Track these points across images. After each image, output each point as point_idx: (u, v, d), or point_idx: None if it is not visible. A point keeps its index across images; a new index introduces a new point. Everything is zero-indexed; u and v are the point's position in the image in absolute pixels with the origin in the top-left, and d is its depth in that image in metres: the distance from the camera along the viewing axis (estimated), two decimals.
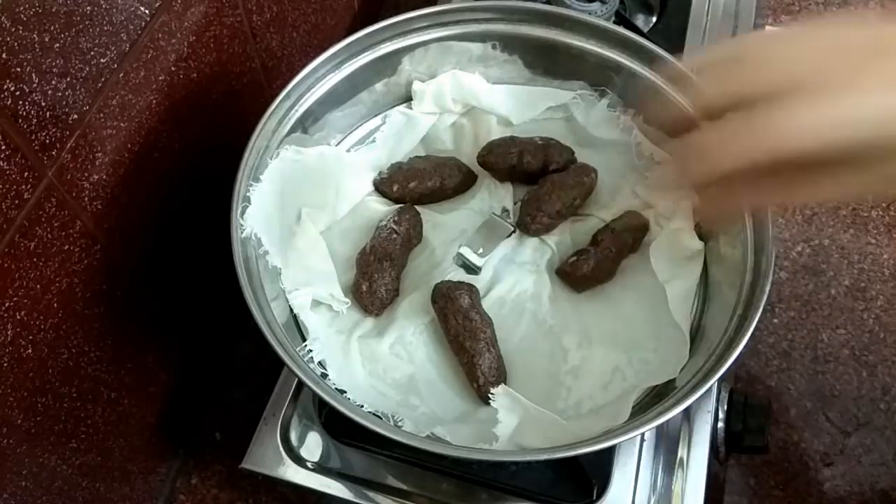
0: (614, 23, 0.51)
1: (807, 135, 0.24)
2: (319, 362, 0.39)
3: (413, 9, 0.45)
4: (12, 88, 0.30)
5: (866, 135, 0.24)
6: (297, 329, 0.42)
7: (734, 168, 0.26)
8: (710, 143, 0.26)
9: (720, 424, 0.45)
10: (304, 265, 0.42)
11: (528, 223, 0.45)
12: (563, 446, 0.36)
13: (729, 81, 0.26)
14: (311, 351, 0.39)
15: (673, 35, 0.60)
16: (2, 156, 0.31)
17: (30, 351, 0.36)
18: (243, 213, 0.39)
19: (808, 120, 0.24)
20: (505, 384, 0.39)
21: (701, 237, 0.44)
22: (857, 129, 0.24)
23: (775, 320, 0.71)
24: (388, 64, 0.47)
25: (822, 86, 0.24)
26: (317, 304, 0.42)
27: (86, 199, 0.37)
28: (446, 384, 0.41)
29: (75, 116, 0.35)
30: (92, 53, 0.35)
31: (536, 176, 0.46)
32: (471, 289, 0.42)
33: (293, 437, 0.45)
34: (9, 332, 0.34)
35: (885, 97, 0.24)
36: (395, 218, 0.44)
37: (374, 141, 0.48)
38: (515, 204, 0.47)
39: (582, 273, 0.43)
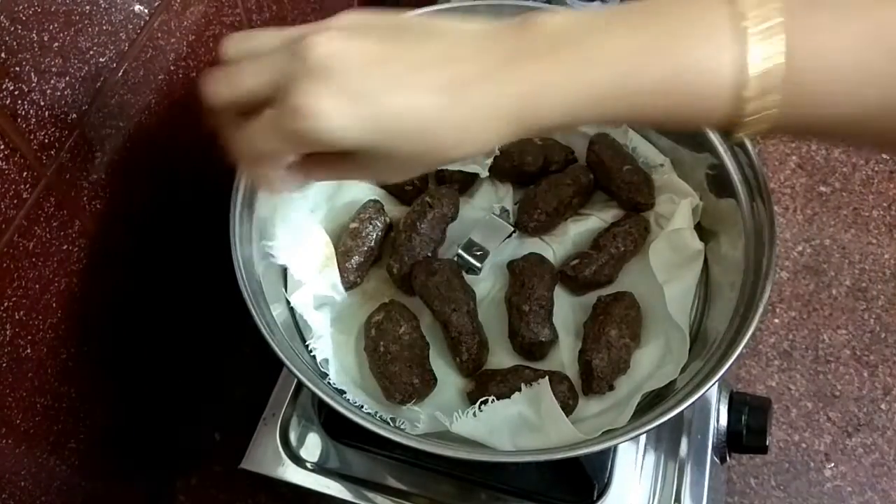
0: None
1: (324, 125, 0.25)
2: (321, 361, 0.39)
3: (412, 8, 0.45)
4: (11, 88, 0.30)
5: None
6: (297, 329, 0.42)
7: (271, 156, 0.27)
8: (246, 139, 0.28)
9: (721, 425, 0.45)
10: (307, 258, 0.42)
11: (526, 222, 0.45)
12: (563, 447, 0.36)
13: (268, 70, 0.27)
14: (313, 350, 0.39)
15: None
16: (0, 155, 0.31)
17: (29, 351, 0.36)
18: (244, 210, 0.39)
19: (327, 113, 0.25)
20: (487, 351, 0.39)
21: (701, 237, 0.44)
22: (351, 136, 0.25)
23: (776, 320, 0.70)
24: None
25: (355, 89, 0.25)
26: (320, 304, 0.42)
27: (85, 198, 0.37)
28: (447, 384, 0.41)
29: (74, 116, 0.35)
30: (91, 53, 0.35)
31: (536, 176, 0.46)
32: (451, 263, 0.42)
33: (292, 437, 0.45)
34: (8, 333, 0.34)
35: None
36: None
37: None
38: (515, 204, 0.47)
39: (584, 277, 0.43)
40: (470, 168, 0.46)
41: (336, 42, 0.26)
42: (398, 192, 0.47)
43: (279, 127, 0.26)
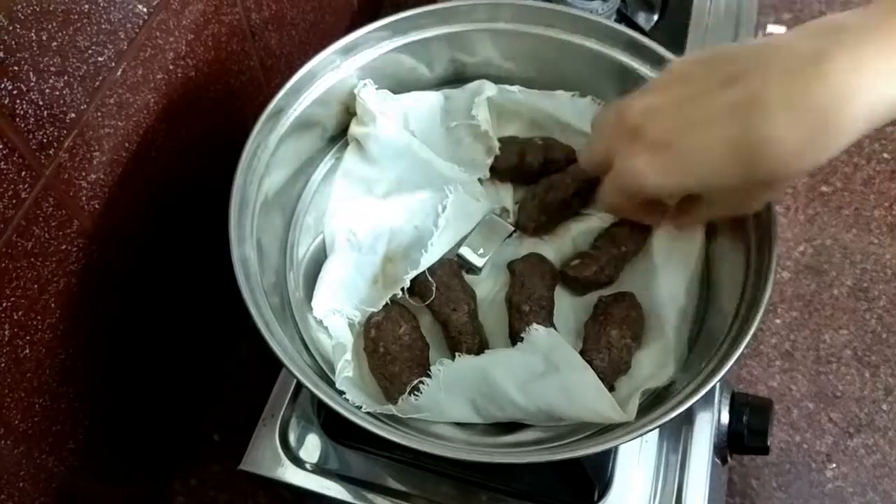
0: (615, 21, 0.50)
1: (643, 182, 0.29)
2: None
3: (413, 7, 0.45)
4: (10, 87, 0.30)
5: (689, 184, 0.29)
6: (296, 328, 0.42)
7: (620, 203, 0.33)
8: (602, 189, 0.34)
9: (722, 425, 0.45)
10: (336, 281, 0.42)
11: (526, 222, 0.45)
12: (563, 446, 0.36)
13: (603, 140, 0.33)
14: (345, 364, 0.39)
15: (675, 33, 0.60)
16: None
17: (27, 351, 0.36)
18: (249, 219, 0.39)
19: (641, 171, 0.29)
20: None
21: (703, 236, 0.44)
22: (679, 182, 0.29)
23: (777, 321, 0.70)
24: (387, 62, 0.46)
25: (657, 140, 0.29)
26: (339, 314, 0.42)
27: (83, 198, 0.37)
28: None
29: (73, 115, 0.35)
30: (90, 52, 0.35)
31: (537, 176, 0.46)
32: (451, 263, 0.42)
33: (292, 438, 0.44)
34: (6, 333, 0.34)
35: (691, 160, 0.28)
36: None
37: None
38: (515, 204, 0.47)
39: (584, 277, 0.43)
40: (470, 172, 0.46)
41: (638, 102, 0.30)
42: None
43: (614, 187, 0.32)
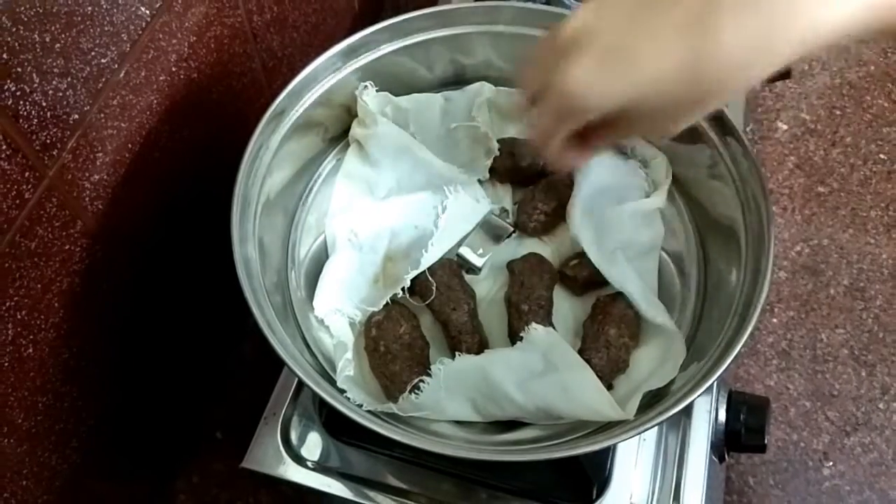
0: None
1: (588, 92, 0.27)
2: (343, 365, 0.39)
3: (413, 9, 0.45)
4: (13, 88, 0.30)
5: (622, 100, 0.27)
6: (297, 327, 0.42)
7: (551, 129, 0.31)
8: (536, 118, 0.31)
9: (719, 424, 0.45)
10: (337, 280, 0.42)
11: (526, 222, 0.45)
12: (562, 444, 0.36)
13: (541, 60, 0.30)
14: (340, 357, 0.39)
15: None
16: (3, 156, 0.31)
17: (31, 350, 0.36)
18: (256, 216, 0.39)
19: (586, 80, 0.27)
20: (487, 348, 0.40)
21: (700, 235, 0.44)
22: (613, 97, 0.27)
23: (774, 320, 0.71)
24: (387, 64, 0.47)
25: (606, 45, 0.27)
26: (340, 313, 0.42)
27: (87, 199, 0.38)
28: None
29: (76, 116, 0.35)
30: (93, 54, 0.35)
31: (536, 177, 0.47)
32: (451, 263, 0.42)
33: (293, 436, 0.45)
34: (9, 332, 0.34)
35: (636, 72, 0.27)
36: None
37: None
38: (515, 204, 0.47)
39: (583, 277, 0.43)
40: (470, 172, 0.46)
41: (580, 14, 0.28)
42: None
43: (550, 106, 0.29)
